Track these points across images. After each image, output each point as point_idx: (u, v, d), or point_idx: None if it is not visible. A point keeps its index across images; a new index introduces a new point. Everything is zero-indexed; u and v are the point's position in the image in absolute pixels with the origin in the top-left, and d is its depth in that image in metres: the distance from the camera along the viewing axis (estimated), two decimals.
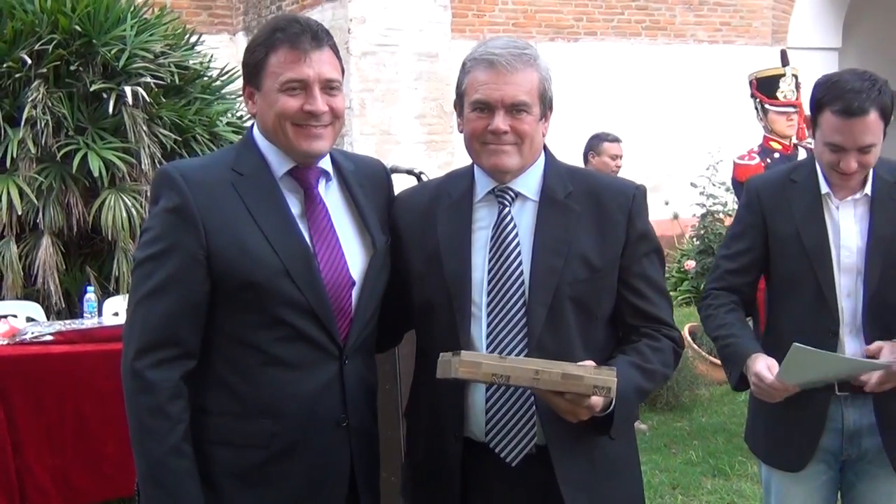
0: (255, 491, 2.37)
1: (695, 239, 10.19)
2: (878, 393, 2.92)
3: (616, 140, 6.62)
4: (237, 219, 2.35)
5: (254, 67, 2.42)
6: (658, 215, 12.78)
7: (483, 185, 2.53)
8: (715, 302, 3.12)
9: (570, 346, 2.43)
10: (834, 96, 2.85)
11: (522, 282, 2.43)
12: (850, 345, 2.96)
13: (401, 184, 2.89)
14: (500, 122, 2.40)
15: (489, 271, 2.44)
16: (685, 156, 12.30)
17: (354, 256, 2.47)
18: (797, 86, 5.96)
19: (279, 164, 2.44)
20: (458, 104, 2.53)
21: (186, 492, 2.30)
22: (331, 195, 2.51)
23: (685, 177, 10.95)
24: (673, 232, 12.03)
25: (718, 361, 7.62)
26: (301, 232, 2.41)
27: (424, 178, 3.37)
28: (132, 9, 7.47)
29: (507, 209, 2.49)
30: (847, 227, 2.98)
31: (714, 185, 9.56)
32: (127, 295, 6.88)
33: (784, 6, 14.63)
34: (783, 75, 5.95)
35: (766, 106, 5.96)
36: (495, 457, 2.45)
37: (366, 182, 2.58)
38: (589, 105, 11.74)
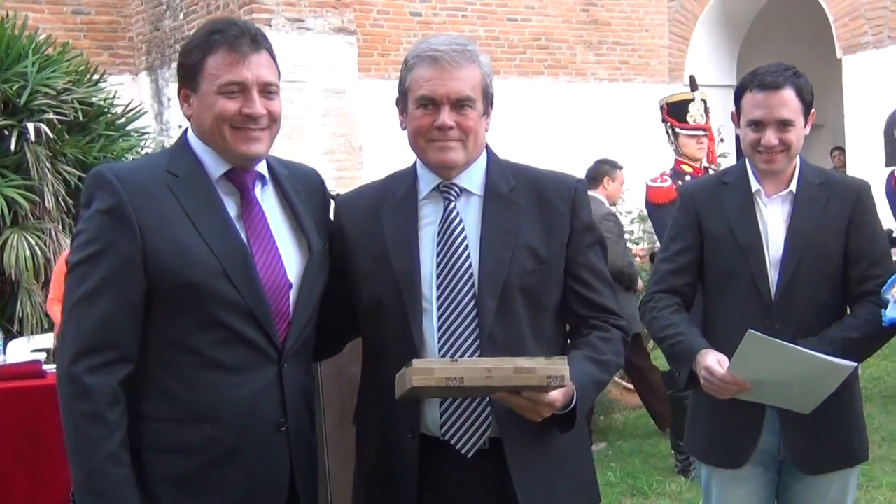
0: (194, 498, 2.31)
1: None
2: None
3: (621, 168, 7.07)
4: (173, 220, 2.31)
5: (191, 69, 2.38)
6: None
7: (427, 182, 2.54)
8: (658, 304, 3.15)
9: (521, 338, 2.44)
10: (752, 78, 3.03)
11: (471, 274, 2.44)
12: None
13: None
14: (447, 117, 2.42)
15: (438, 265, 2.45)
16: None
17: (291, 259, 2.44)
18: (706, 110, 6.10)
19: (215, 167, 2.40)
20: (402, 102, 2.53)
21: (125, 500, 2.23)
22: (267, 199, 2.48)
23: None
24: None
25: (631, 386, 7.70)
26: (239, 233, 2.37)
27: None
28: (34, 45, 7.34)
29: (452, 204, 2.50)
30: (774, 224, 3.07)
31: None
32: (31, 336, 6.71)
33: (680, 45, 15.04)
34: (692, 100, 6.08)
35: (677, 130, 6.07)
36: (450, 451, 2.43)
37: (300, 187, 2.56)
38: (493, 142, 11.85)
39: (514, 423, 2.39)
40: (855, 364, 2.79)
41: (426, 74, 2.42)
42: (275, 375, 2.37)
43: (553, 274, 2.52)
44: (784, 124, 2.98)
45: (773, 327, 2.94)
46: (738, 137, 3.19)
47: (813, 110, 3.05)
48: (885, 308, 2.88)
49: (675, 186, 5.86)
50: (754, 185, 3.09)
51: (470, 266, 2.44)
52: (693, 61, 14.69)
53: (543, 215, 2.52)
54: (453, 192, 2.51)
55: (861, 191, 3.11)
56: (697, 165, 6.02)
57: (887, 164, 9.13)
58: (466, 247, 2.46)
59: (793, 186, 3.08)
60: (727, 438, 3.11)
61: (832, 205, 3.05)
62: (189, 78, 2.39)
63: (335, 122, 10.55)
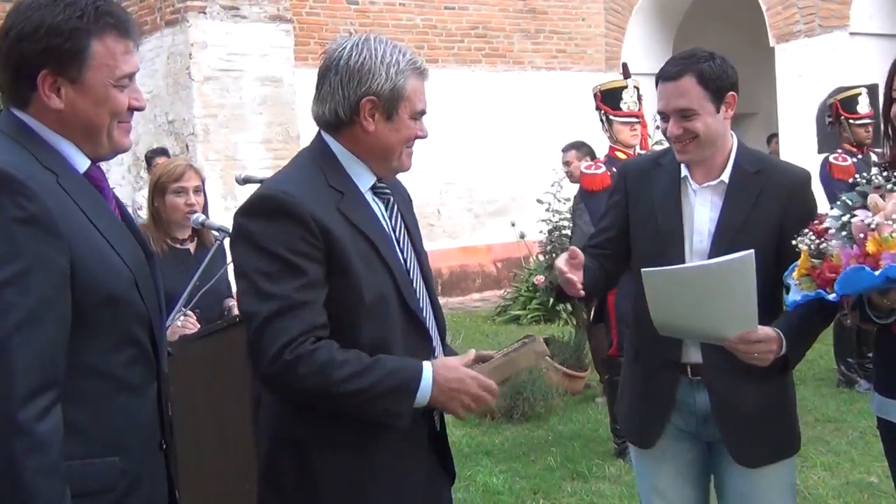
0: None
1: (541, 255, 10.39)
2: (713, 382, 2.98)
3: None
4: (83, 224, 2.00)
5: (71, 55, 2.02)
6: (504, 237, 13.04)
7: (365, 180, 2.55)
8: None
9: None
10: (661, 68, 3.02)
11: (417, 267, 2.60)
12: None
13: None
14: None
15: (405, 261, 2.57)
16: (529, 178, 12.56)
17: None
18: (639, 97, 6.13)
19: (79, 162, 2.10)
20: (385, 107, 2.47)
21: None
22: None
23: (530, 197, 11.17)
24: (520, 253, 12.25)
25: (571, 372, 7.78)
26: (132, 236, 2.16)
27: None
28: None
29: (392, 202, 2.61)
30: (701, 212, 3.03)
31: (559, 200, 9.79)
32: None
33: (616, 35, 15.18)
34: (625, 87, 6.11)
35: (611, 117, 6.10)
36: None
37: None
38: (432, 131, 11.85)
39: None
40: (751, 250, 2.70)
41: (420, 87, 2.51)
42: (156, 391, 2.17)
43: None
44: (684, 114, 2.94)
45: None
46: None
47: (731, 93, 2.97)
48: (787, 292, 2.83)
49: (609, 173, 5.92)
50: (683, 171, 3.05)
51: (415, 259, 2.60)
52: (629, 50, 14.84)
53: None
54: (387, 191, 2.60)
55: (798, 184, 3.05)
56: (631, 152, 6.07)
57: (820, 151, 9.31)
58: (409, 242, 2.62)
59: (725, 176, 3.02)
60: (640, 417, 3.16)
61: (765, 197, 2.99)
62: (65, 64, 2.02)
63: (272, 112, 10.48)
